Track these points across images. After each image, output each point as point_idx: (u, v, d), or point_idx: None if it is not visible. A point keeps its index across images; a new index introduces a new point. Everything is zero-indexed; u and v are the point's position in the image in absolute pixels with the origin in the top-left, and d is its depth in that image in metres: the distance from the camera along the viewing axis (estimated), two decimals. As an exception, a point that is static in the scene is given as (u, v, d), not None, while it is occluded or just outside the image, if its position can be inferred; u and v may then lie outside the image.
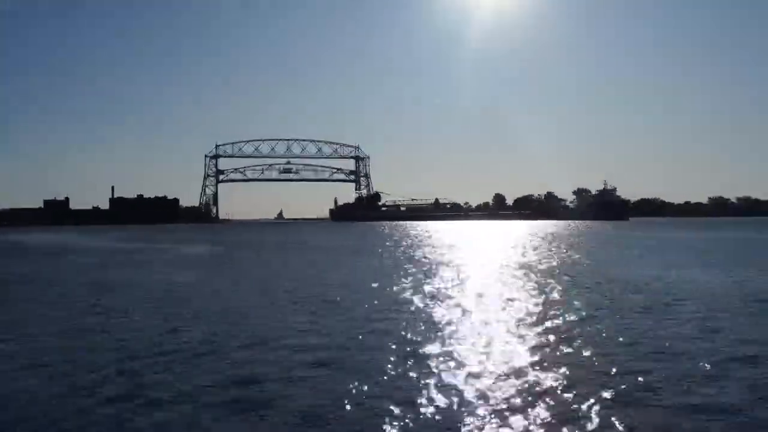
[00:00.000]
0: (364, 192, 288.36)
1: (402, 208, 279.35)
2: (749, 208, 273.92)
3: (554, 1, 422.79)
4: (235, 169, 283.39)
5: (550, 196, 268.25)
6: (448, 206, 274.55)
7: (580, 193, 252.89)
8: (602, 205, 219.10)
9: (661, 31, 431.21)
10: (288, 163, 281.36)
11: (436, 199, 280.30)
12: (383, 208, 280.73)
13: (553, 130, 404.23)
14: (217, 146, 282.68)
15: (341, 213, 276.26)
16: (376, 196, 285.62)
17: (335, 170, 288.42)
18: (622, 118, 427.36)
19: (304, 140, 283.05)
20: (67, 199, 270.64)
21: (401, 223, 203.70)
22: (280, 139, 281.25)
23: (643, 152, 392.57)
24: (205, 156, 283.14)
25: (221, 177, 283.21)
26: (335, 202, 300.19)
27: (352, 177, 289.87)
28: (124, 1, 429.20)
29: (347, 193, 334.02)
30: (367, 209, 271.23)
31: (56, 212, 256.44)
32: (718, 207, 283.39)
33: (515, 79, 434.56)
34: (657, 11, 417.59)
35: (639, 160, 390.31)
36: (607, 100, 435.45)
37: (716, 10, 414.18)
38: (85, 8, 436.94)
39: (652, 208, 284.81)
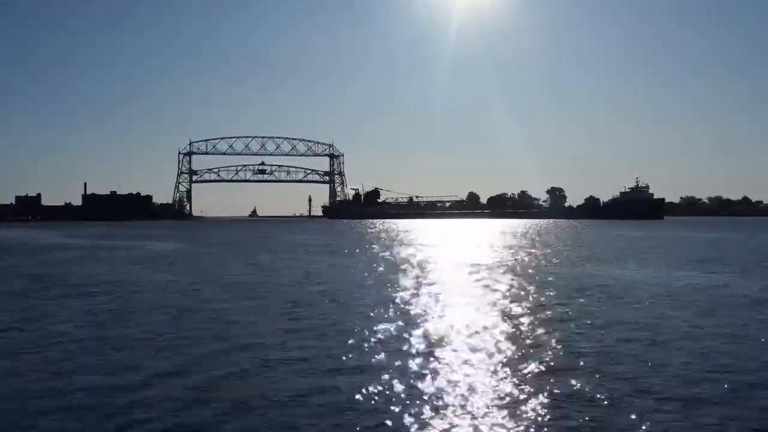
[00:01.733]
0: (339, 189, 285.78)
1: (378, 206, 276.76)
2: (720, 207, 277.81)
3: (529, 1, 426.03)
4: (209, 170, 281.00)
5: (524, 195, 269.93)
6: (423, 204, 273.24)
7: (553, 192, 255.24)
8: (632, 204, 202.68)
9: (638, 31, 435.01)
10: (262, 163, 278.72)
11: (410, 198, 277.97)
12: (385, 205, 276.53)
13: (527, 129, 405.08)
14: (190, 143, 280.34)
15: (335, 210, 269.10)
16: (375, 193, 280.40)
17: (309, 171, 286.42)
18: (597, 118, 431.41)
19: (278, 138, 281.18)
20: (39, 195, 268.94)
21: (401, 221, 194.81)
22: (255, 137, 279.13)
23: (622, 152, 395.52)
24: (179, 153, 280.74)
25: (195, 177, 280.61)
26: (309, 200, 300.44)
27: (326, 178, 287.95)
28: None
29: (322, 192, 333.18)
30: (365, 206, 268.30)
31: (28, 208, 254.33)
32: (690, 207, 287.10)
33: (491, 78, 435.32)
34: (633, 12, 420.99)
35: (615, 160, 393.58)
36: (581, 100, 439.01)
37: (691, 10, 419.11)
38: (58, 6, 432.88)
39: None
